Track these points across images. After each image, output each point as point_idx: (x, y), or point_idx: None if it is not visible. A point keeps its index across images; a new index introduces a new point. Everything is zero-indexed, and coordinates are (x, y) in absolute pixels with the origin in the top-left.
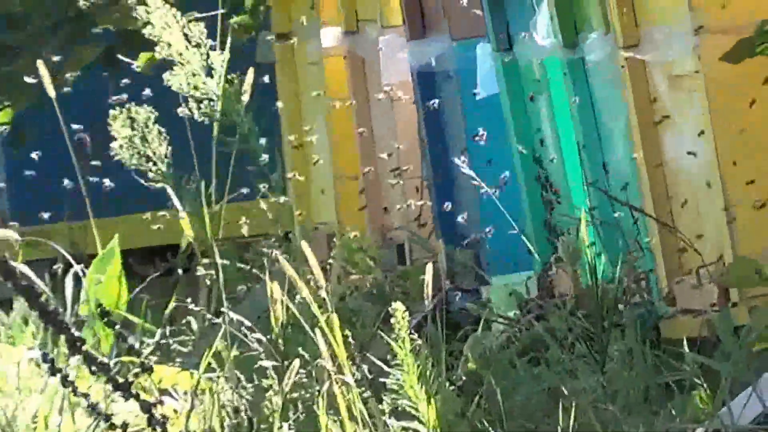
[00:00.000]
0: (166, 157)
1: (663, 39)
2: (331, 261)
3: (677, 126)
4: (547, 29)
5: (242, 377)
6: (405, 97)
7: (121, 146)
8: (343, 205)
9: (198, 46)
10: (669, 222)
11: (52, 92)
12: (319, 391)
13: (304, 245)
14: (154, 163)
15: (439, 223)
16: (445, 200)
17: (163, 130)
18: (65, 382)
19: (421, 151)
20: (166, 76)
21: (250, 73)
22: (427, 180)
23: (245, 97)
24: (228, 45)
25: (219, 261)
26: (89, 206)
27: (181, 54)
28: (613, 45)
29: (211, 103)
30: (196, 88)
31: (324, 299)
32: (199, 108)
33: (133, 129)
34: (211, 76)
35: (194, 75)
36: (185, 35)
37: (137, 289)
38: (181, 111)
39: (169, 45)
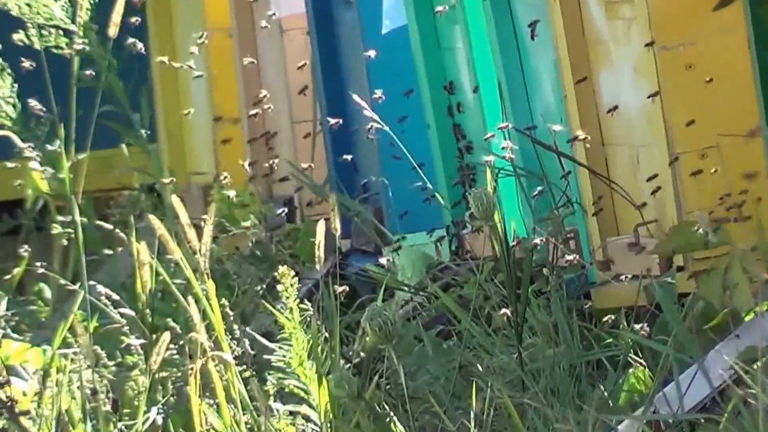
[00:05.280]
0: (11, 97)
1: None
2: (206, 217)
3: (613, 61)
4: None
5: (103, 354)
6: (296, 28)
7: None
8: (222, 152)
9: None
10: (603, 173)
11: None
12: (192, 369)
13: (175, 199)
14: None
15: (335, 173)
16: (341, 147)
17: (5, 64)
18: None
19: (313, 92)
20: None
21: (120, 2)
22: (321, 124)
23: (112, 31)
24: None
25: (78, 219)
26: None
27: None
28: None
29: (59, 32)
30: (39, 13)
31: (199, 262)
32: (41, 36)
33: None
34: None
35: None
36: None
37: None
38: (18, 38)
39: None
